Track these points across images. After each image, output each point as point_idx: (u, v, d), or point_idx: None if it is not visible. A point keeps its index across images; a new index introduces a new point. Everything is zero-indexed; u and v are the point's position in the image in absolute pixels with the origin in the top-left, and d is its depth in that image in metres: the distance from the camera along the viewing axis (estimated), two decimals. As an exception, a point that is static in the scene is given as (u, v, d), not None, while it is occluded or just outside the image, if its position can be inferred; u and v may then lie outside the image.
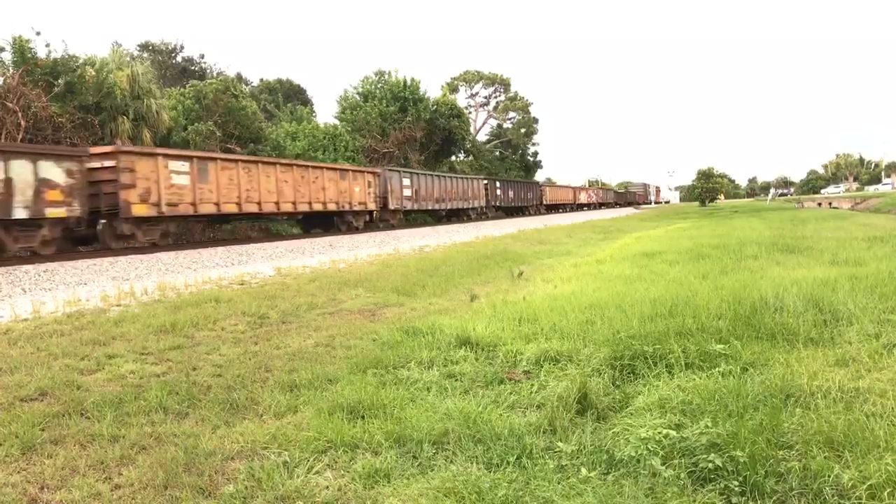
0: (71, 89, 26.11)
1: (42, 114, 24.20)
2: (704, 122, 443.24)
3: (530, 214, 56.56)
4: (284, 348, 6.76)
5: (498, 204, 49.71)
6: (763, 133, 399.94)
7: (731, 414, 4.10)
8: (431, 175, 38.16)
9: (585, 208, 79.85)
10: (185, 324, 7.72)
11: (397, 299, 9.72)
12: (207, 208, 20.13)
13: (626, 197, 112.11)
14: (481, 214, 45.66)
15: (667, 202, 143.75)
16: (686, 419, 4.10)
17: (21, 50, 25.28)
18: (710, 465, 3.49)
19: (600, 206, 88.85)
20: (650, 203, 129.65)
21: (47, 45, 26.87)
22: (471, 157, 64.78)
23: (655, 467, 3.53)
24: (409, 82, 50.51)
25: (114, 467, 3.93)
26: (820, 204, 71.02)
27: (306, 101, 61.05)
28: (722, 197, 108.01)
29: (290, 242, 21.39)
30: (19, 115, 23.36)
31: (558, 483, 3.50)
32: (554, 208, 67.31)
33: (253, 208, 22.11)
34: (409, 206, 34.12)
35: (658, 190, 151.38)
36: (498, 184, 50.67)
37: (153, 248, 18.52)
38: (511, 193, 53.29)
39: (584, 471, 3.57)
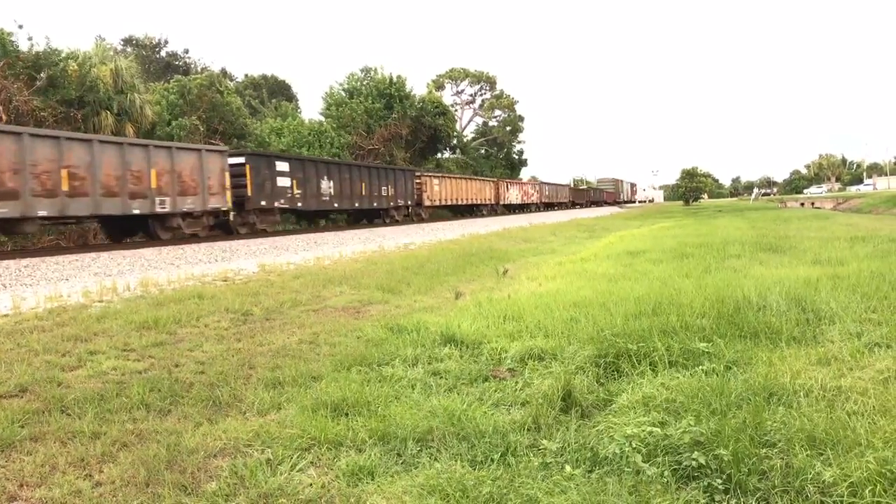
0: (53, 83, 25.89)
1: (24, 108, 23.98)
2: (689, 122, 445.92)
3: (394, 223, 33.18)
4: (268, 345, 6.72)
5: (291, 206, 25.82)
6: (747, 133, 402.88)
7: (714, 412, 4.12)
8: None
9: (519, 211, 57.42)
10: (167, 320, 7.66)
11: (382, 297, 9.70)
12: None
13: (589, 195, 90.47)
14: (220, 228, 23.14)
15: (650, 201, 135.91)
16: (670, 417, 4.11)
17: (2, 43, 25.04)
18: (694, 462, 3.50)
19: (546, 206, 66.47)
20: (625, 202, 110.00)
21: (30, 39, 26.79)
22: (457, 155, 64.73)
23: (639, 465, 3.53)
24: (395, 79, 50.46)
25: (95, 464, 3.89)
26: (803, 204, 71.67)
27: (291, 97, 60.81)
28: (706, 196, 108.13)
29: (274, 239, 21.28)
30: (0, 109, 23.11)
31: (542, 480, 3.50)
32: (465, 212, 45.54)
33: None
34: None
35: (634, 187, 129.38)
36: (284, 167, 25.27)
37: (142, 243, 18.37)
38: (329, 186, 27.98)
39: (568, 468, 3.57)
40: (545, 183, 70.85)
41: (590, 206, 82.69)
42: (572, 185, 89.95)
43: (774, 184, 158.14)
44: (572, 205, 77.62)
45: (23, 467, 3.85)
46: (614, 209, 76.23)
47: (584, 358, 5.52)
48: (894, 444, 3.49)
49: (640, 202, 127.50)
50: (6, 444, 4.15)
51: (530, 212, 58.31)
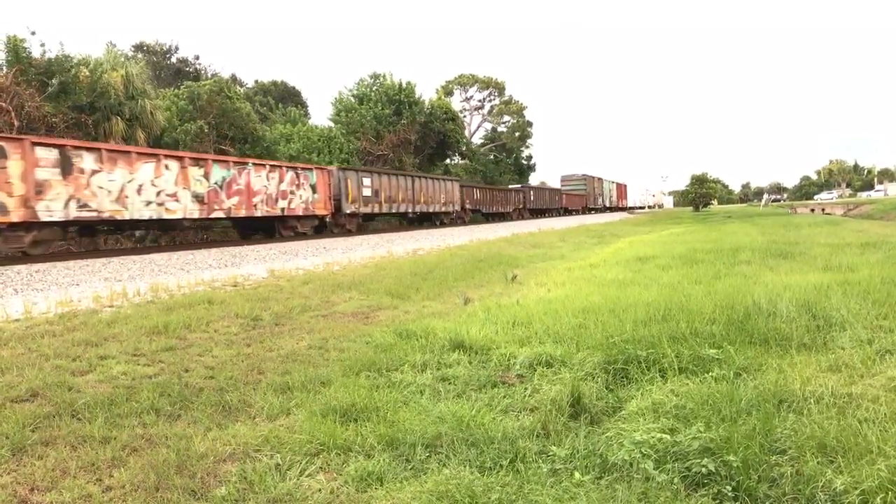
0: (65, 89, 26.03)
1: (35, 113, 24.14)
2: (699, 128, 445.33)
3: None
4: (277, 350, 6.74)
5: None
6: (757, 139, 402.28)
7: (724, 419, 4.11)
8: None
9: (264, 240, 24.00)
10: (177, 325, 7.69)
11: (391, 302, 9.71)
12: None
13: (523, 198, 53.55)
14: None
15: (659, 206, 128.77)
16: (679, 424, 4.10)
17: (15, 49, 25.20)
18: (704, 469, 3.49)
19: (411, 221, 36.93)
20: (606, 209, 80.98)
21: (42, 45, 26.82)
22: (466, 160, 64.72)
23: (649, 472, 3.53)
24: (403, 85, 50.53)
25: (105, 469, 3.91)
26: (813, 210, 71.25)
27: (301, 103, 61.00)
28: (715, 202, 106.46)
29: (283, 244, 21.33)
30: (12, 114, 23.29)
31: (551, 487, 3.49)
32: None
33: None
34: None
35: (623, 189, 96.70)
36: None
37: (152, 248, 18.45)
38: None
39: (577, 475, 3.57)
40: (369, 171, 31.90)
41: (525, 218, 51.10)
42: (487, 187, 50.10)
43: (784, 189, 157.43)
44: (474, 216, 44.24)
45: (34, 471, 3.87)
46: (567, 220, 47.83)
47: (594, 364, 5.51)
48: (906, 451, 3.47)
49: (648, 208, 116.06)
50: (17, 448, 4.17)
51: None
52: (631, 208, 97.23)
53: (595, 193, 77.18)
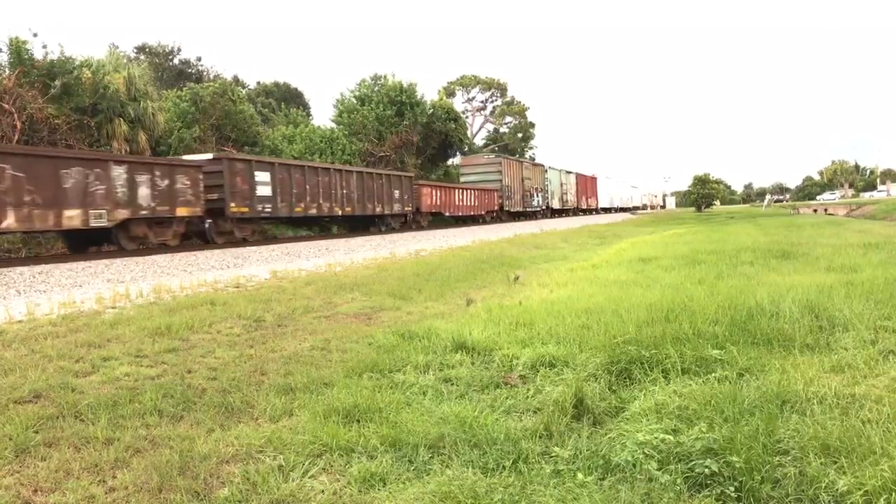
0: (67, 91, 26.05)
1: (38, 115, 24.15)
2: (701, 129, 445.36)
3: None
4: (280, 351, 6.74)
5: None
6: (759, 140, 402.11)
7: (727, 419, 4.10)
8: None
9: None
10: (180, 326, 7.69)
11: (393, 303, 9.71)
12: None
13: (199, 187, 19.13)
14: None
15: (661, 207, 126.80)
16: (682, 424, 4.09)
17: (18, 51, 25.21)
18: (707, 470, 3.48)
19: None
20: (549, 211, 55.76)
21: (44, 47, 26.82)
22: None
23: (652, 472, 3.52)
24: (405, 86, 50.50)
25: (108, 470, 3.92)
26: (815, 210, 71.17)
27: (303, 105, 60.98)
28: (718, 202, 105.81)
29: (285, 245, 21.34)
30: (15, 116, 23.31)
31: (554, 488, 3.49)
32: None
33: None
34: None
35: (591, 183, 72.59)
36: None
37: (154, 250, 18.49)
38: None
39: (580, 476, 3.57)
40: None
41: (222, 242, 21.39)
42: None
43: (787, 190, 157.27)
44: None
45: (37, 472, 3.87)
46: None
47: (596, 365, 5.51)
48: (909, 452, 3.46)
49: (651, 209, 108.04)
50: (21, 450, 4.18)
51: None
52: (637, 210, 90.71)
53: (532, 187, 51.57)
